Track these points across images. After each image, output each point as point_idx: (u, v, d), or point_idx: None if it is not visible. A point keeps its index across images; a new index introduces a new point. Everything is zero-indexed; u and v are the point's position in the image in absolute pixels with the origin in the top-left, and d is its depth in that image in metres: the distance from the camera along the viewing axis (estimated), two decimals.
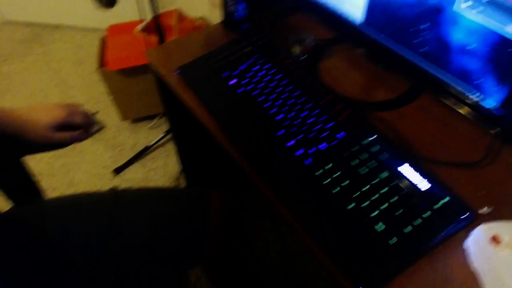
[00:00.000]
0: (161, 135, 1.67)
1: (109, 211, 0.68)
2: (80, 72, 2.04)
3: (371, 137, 0.64)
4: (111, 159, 1.63)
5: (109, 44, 1.53)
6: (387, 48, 0.68)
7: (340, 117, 0.68)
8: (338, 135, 0.65)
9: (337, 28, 0.78)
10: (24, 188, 0.77)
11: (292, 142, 0.65)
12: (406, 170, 0.60)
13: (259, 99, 0.72)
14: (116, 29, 1.59)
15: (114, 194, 0.71)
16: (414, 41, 0.63)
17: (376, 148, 0.63)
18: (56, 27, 2.36)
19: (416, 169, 0.60)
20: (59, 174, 1.59)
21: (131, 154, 1.62)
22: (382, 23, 0.66)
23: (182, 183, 1.52)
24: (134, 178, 1.56)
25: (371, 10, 0.67)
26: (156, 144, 1.67)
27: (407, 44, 0.65)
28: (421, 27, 0.60)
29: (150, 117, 1.77)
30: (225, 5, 0.88)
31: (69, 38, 2.28)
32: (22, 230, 0.64)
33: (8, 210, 0.70)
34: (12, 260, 0.55)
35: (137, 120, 1.77)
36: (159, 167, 1.59)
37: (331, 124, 0.67)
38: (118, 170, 1.58)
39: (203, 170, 1.35)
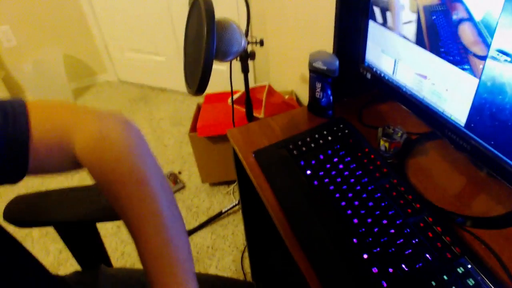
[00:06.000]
0: (235, 203, 1.67)
1: None
2: (175, 132, 2.21)
3: (466, 264, 0.53)
4: (185, 220, 1.66)
5: (203, 111, 1.63)
6: (494, 157, 0.58)
7: (429, 232, 0.58)
8: (425, 255, 0.55)
9: (434, 125, 0.70)
10: (92, 253, 0.79)
11: (369, 255, 0.56)
12: None
13: (337, 195, 0.65)
14: (212, 97, 1.71)
15: None
16: None
17: (471, 282, 0.51)
18: (162, 90, 2.64)
19: None
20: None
21: (203, 218, 1.64)
22: (490, 129, 0.57)
23: (246, 259, 1.46)
24: (201, 243, 1.55)
25: (478, 113, 0.58)
26: (229, 211, 1.66)
27: None
28: None
29: (228, 183, 1.80)
30: (311, 90, 0.87)
31: (171, 100, 2.53)
32: None
33: (68, 274, 0.72)
34: None
35: (215, 184, 1.81)
36: (227, 236, 1.57)
37: (416, 240, 0.57)
38: (188, 234, 1.59)
39: (268, 252, 1.28)
